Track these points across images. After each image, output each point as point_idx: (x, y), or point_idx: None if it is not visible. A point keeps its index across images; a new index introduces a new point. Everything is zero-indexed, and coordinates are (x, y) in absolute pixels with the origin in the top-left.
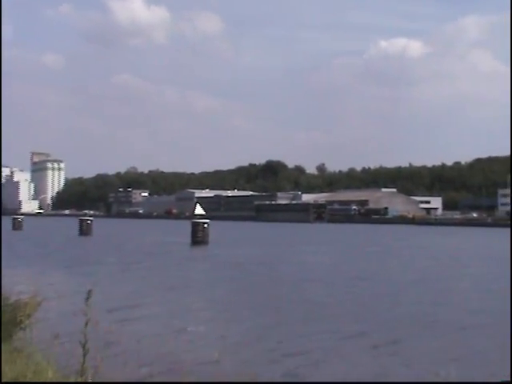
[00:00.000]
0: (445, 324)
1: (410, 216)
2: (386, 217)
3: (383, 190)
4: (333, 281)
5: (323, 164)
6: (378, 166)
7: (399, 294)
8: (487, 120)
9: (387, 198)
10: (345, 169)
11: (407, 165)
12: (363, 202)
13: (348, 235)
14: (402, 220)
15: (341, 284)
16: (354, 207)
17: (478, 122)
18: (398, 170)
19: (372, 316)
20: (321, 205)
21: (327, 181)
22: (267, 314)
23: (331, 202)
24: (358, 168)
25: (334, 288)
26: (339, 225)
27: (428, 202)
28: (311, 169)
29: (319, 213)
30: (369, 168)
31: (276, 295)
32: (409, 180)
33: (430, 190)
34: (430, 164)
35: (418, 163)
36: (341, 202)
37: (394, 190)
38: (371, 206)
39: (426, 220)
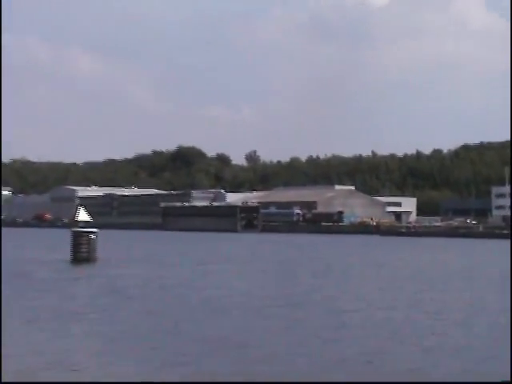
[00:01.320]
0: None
1: (373, 223)
2: (341, 224)
3: (337, 187)
4: (245, 311)
5: (255, 152)
6: (329, 154)
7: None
8: (477, 94)
9: (342, 199)
10: (285, 158)
11: (369, 153)
12: (310, 204)
13: (284, 250)
14: (362, 229)
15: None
16: (298, 211)
17: (464, 96)
18: (358, 160)
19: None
20: (252, 208)
21: (260, 175)
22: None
23: (266, 205)
24: (303, 157)
25: (244, 320)
26: (277, 235)
27: (398, 205)
28: (238, 158)
29: (250, 219)
30: (317, 157)
31: (154, 333)
32: (372, 174)
33: (401, 189)
34: (400, 153)
35: (384, 151)
36: (279, 205)
37: (352, 187)
38: (320, 209)
39: (396, 229)
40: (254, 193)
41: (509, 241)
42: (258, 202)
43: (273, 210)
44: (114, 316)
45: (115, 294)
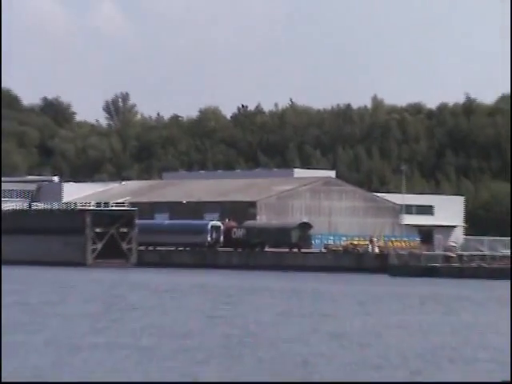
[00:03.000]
0: None
1: (375, 249)
2: (305, 252)
3: (298, 172)
4: None
5: (124, 97)
6: (284, 103)
7: None
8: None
9: (309, 198)
10: (187, 112)
11: (365, 103)
12: (241, 209)
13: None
14: (349, 261)
15: None
16: (214, 223)
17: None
18: (342, 115)
19: None
20: (118, 216)
21: (138, 147)
22: None
23: (150, 209)
24: (226, 109)
25: None
26: (166, 275)
27: (427, 211)
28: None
29: (114, 238)
30: (258, 110)
31: None
32: (372, 144)
33: (434, 176)
34: (416, 100)
35: (389, 100)
36: (177, 209)
37: (331, 172)
38: (263, 219)
39: (422, 261)
40: (125, 183)
41: None
42: (132, 204)
43: (162, 220)
44: None
45: None
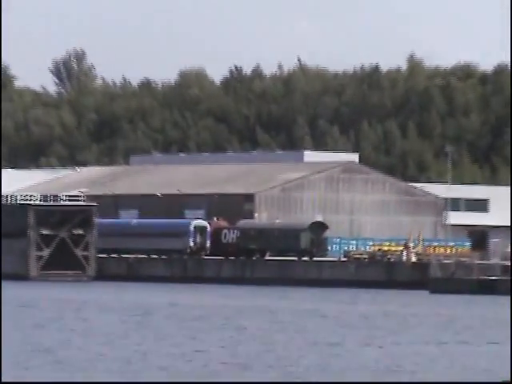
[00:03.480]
0: None
1: (411, 257)
2: (319, 260)
3: (309, 155)
4: None
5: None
6: (292, 66)
7: None
8: None
9: (324, 190)
10: (161, 76)
11: (399, 63)
12: (236, 204)
13: None
14: (376, 273)
15: None
16: (199, 222)
17: None
18: (367, 78)
19: None
20: (72, 211)
21: (99, 120)
22: None
23: (113, 202)
24: (213, 71)
25: None
26: (131, 293)
27: (480, 207)
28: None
29: (64, 242)
30: (255, 71)
31: None
32: (408, 117)
33: (489, 160)
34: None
35: (431, 60)
36: (148, 203)
37: (353, 156)
38: (263, 216)
39: (474, 273)
40: (80, 170)
41: None
42: (90, 198)
43: (130, 219)
44: None
45: None
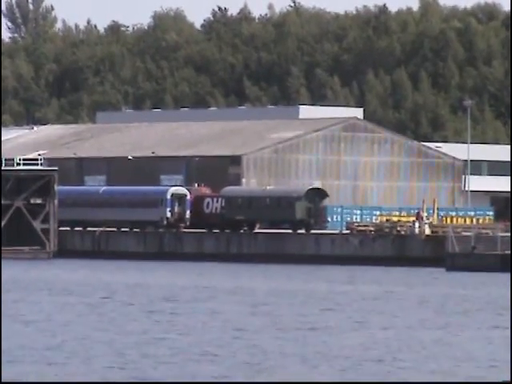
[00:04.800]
0: None
1: (424, 229)
2: (318, 233)
3: (304, 110)
4: None
5: None
6: (285, 6)
7: None
8: None
9: (322, 150)
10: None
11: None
12: (220, 169)
13: None
14: (383, 248)
15: None
16: (177, 189)
17: None
18: (373, 19)
19: None
20: (30, 176)
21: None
22: None
23: (76, 166)
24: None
25: None
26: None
27: (508, 170)
28: None
29: (18, 211)
30: (244, 14)
31: None
32: (422, 63)
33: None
34: None
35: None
36: (118, 167)
37: (357, 111)
38: (253, 183)
39: (491, 251)
40: (38, 129)
41: None
42: (50, 161)
43: (97, 186)
44: None
45: None
